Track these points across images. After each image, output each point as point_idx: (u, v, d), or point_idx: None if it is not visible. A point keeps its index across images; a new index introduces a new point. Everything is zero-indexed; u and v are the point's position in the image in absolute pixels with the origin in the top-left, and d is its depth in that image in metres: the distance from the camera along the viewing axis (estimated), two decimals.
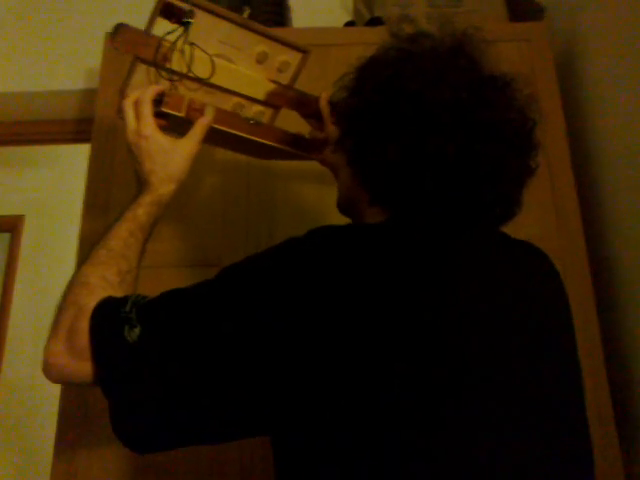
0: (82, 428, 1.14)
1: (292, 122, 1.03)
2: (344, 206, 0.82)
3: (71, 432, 1.15)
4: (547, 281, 0.72)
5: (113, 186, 1.31)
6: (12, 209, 3.17)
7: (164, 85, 0.87)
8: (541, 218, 1.25)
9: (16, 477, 2.93)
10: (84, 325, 0.65)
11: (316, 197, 1.30)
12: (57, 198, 3.15)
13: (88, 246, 1.24)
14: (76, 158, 2.92)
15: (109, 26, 1.41)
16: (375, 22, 1.50)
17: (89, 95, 1.58)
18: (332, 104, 0.76)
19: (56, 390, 1.29)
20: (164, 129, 0.83)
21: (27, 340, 3.02)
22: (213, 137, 0.88)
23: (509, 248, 0.71)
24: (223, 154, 1.30)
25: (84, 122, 1.63)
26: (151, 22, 0.84)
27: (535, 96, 0.73)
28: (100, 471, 1.13)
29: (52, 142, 1.74)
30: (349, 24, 1.56)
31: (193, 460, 1.12)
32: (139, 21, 0.89)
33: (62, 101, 1.63)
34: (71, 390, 1.17)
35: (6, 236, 3.24)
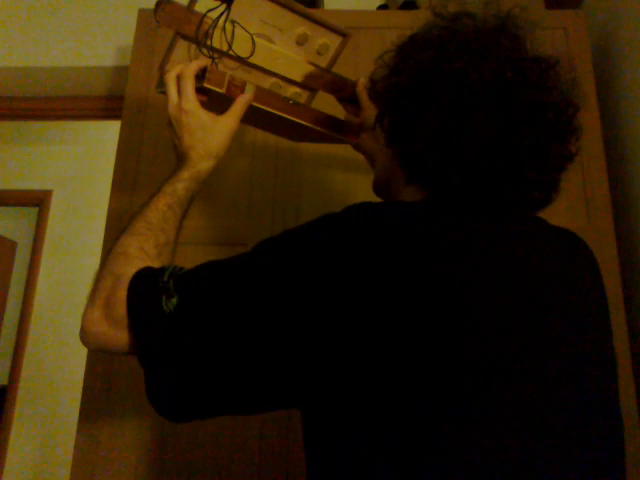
0: (105, 400, 1.17)
1: (327, 107, 1.02)
2: (381, 188, 0.82)
3: (94, 404, 1.17)
4: (584, 268, 0.71)
5: (142, 163, 1.33)
6: (41, 184, 3.21)
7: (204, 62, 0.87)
8: (571, 208, 1.24)
9: (41, 447, 3.00)
10: (122, 294, 0.66)
11: (342, 181, 1.30)
12: (85, 174, 3.18)
13: (116, 221, 1.27)
14: (105, 134, 2.95)
15: (141, 3, 1.43)
16: (408, 6, 1.49)
17: (120, 72, 1.59)
18: (372, 82, 0.75)
19: (80, 363, 1.32)
20: (203, 104, 0.82)
21: (53, 313, 3.07)
22: (250, 116, 0.88)
23: (547, 234, 0.70)
24: (252, 137, 1.31)
25: (114, 99, 1.65)
26: None
27: (577, 80, 0.72)
28: (122, 441, 1.15)
29: (82, 118, 1.75)
30: (382, 7, 1.56)
31: (214, 432, 1.14)
32: None
33: (93, 78, 1.65)
34: (95, 363, 1.19)
35: (34, 210, 3.28)
